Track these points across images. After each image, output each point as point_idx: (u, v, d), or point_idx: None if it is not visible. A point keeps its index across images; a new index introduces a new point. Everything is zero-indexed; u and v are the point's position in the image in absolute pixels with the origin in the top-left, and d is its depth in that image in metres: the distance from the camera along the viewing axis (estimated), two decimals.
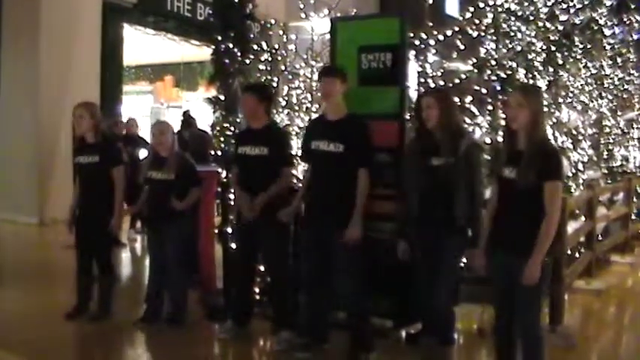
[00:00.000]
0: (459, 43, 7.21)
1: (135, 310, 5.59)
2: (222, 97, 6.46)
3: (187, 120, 10.93)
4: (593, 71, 8.96)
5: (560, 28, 7.86)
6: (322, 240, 4.59)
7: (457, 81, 7.05)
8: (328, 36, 5.67)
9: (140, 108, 15.81)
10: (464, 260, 4.57)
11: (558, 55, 7.70)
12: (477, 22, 7.31)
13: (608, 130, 9.79)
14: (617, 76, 10.10)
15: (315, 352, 4.69)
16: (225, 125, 6.39)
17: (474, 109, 6.90)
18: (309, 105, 7.07)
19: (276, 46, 7.20)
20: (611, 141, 9.96)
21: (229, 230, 5.71)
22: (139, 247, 8.98)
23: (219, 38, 6.44)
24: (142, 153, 8.76)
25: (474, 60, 7.16)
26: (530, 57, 7.27)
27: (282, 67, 7.20)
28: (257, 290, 5.56)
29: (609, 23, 9.47)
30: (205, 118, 8.90)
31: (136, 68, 17.66)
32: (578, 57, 8.25)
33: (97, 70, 11.55)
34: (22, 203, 10.62)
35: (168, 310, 5.43)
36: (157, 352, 5.07)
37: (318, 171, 4.70)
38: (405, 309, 5.05)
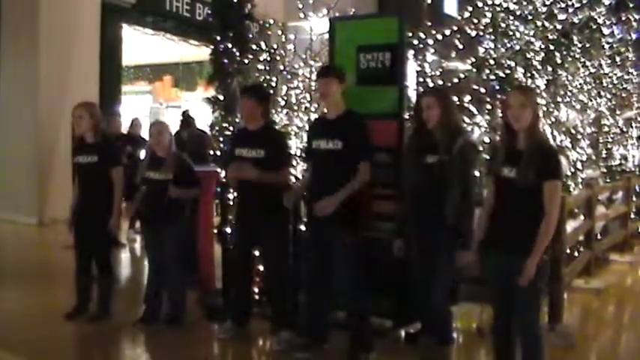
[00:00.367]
0: (457, 42, 7.22)
1: (134, 310, 5.59)
2: (221, 97, 6.47)
3: (186, 120, 10.93)
4: (592, 70, 8.96)
5: (559, 27, 7.86)
6: (322, 240, 4.59)
7: (456, 80, 7.05)
8: (327, 36, 5.68)
9: (139, 108, 15.79)
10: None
11: (557, 54, 7.71)
12: (475, 21, 7.31)
13: (606, 129, 9.79)
14: (615, 75, 10.10)
15: (314, 352, 4.69)
16: (224, 125, 6.40)
17: (472, 108, 6.91)
18: (307, 105, 7.08)
19: (275, 46, 7.21)
20: (610, 140, 9.96)
21: (228, 230, 5.71)
22: (138, 248, 8.98)
23: (218, 38, 6.45)
24: (143, 153, 8.75)
25: (473, 59, 7.17)
26: (528, 56, 7.27)
27: (281, 67, 7.21)
28: (256, 290, 5.56)
29: (608, 22, 9.47)
30: (204, 118, 8.91)
31: (135, 68, 17.64)
32: (577, 56, 8.25)
33: (96, 70, 11.54)
34: (21, 203, 10.61)
35: (167, 310, 5.43)
36: (156, 352, 5.07)
37: (318, 170, 4.70)
38: (404, 309, 5.05)
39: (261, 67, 6.71)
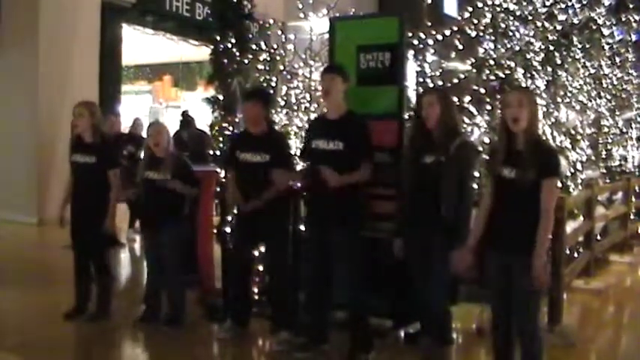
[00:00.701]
0: (457, 42, 7.21)
1: (134, 310, 5.59)
2: (220, 97, 6.47)
3: (186, 120, 10.94)
4: (592, 71, 8.96)
5: (559, 27, 7.87)
6: (322, 240, 4.59)
7: (456, 81, 7.05)
8: (327, 35, 5.68)
9: (139, 108, 15.79)
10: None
11: (557, 54, 7.71)
12: (475, 21, 7.31)
13: (606, 129, 9.79)
14: (615, 75, 10.10)
15: (314, 352, 4.68)
16: (224, 125, 6.39)
17: (472, 108, 6.91)
18: (307, 105, 7.08)
19: (275, 46, 7.21)
20: (610, 141, 9.96)
21: (228, 230, 5.71)
22: (138, 247, 8.98)
23: (218, 38, 6.44)
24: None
25: (473, 60, 7.17)
26: (528, 57, 7.27)
27: (281, 67, 7.20)
28: (256, 290, 5.57)
29: (608, 23, 9.47)
30: (204, 118, 8.91)
31: (135, 68, 17.65)
32: (577, 57, 8.25)
33: (95, 70, 11.54)
34: (21, 203, 10.61)
35: (166, 310, 5.42)
36: (155, 352, 5.07)
37: (317, 169, 4.69)
38: (403, 309, 5.05)
39: (261, 67, 6.71)
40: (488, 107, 6.91)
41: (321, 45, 7.02)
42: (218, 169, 6.09)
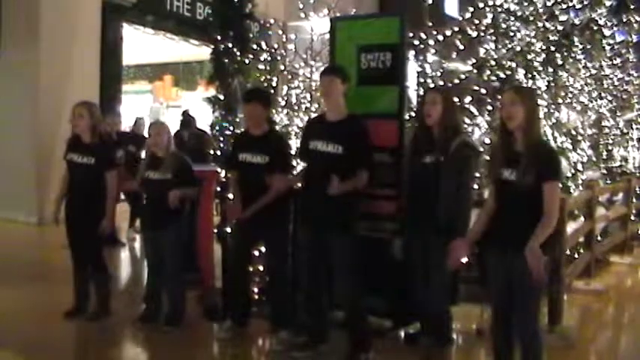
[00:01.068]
0: (458, 43, 7.22)
1: (134, 309, 5.59)
2: (221, 97, 6.47)
3: (186, 119, 10.94)
4: (593, 71, 8.97)
5: (560, 28, 7.86)
6: (320, 240, 4.58)
7: (456, 81, 7.05)
8: (328, 35, 5.67)
9: (139, 107, 15.79)
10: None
11: (558, 55, 7.71)
12: (476, 22, 7.32)
13: (607, 130, 9.79)
14: (616, 76, 10.10)
15: (313, 352, 4.68)
16: (225, 125, 6.39)
17: (473, 109, 6.91)
18: (308, 105, 7.07)
19: (276, 46, 7.21)
20: (611, 141, 9.96)
21: (228, 230, 5.71)
22: (138, 247, 8.98)
23: (219, 38, 6.44)
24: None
25: (474, 60, 7.18)
26: (529, 57, 7.28)
27: (282, 67, 7.20)
28: (256, 290, 5.56)
29: (609, 24, 9.46)
30: (204, 118, 8.91)
31: (136, 67, 17.64)
32: (578, 57, 8.25)
33: (96, 70, 11.53)
34: (21, 202, 10.60)
35: (166, 309, 5.42)
36: (155, 351, 5.07)
37: (315, 171, 4.66)
38: (403, 309, 5.05)
39: (261, 66, 6.71)
40: (489, 108, 6.91)
41: (322, 45, 7.02)
42: (218, 169, 6.09)
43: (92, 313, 5.48)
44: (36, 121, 10.63)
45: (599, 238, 8.18)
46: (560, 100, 7.86)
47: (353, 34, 5.32)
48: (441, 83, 6.82)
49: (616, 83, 10.10)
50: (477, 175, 5.41)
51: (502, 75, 7.02)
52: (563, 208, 5.11)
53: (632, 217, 9.75)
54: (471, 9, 7.40)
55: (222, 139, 6.36)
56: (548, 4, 7.74)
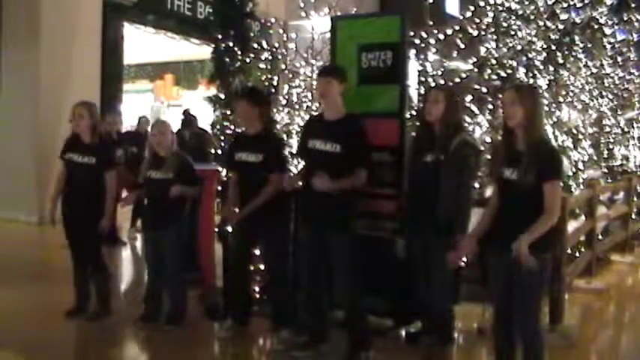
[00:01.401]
0: (459, 41, 7.22)
1: (135, 309, 5.59)
2: (222, 96, 6.48)
3: (187, 119, 10.94)
4: (594, 70, 8.95)
5: (561, 27, 7.86)
6: (319, 239, 4.57)
7: (457, 80, 7.05)
8: (328, 34, 5.67)
9: (140, 106, 15.80)
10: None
11: (559, 54, 7.71)
12: (477, 21, 7.32)
13: (608, 129, 9.79)
14: (617, 75, 10.09)
15: (314, 352, 4.68)
16: (225, 124, 6.40)
17: (474, 108, 6.91)
18: (309, 104, 7.08)
19: (277, 45, 7.22)
20: (612, 140, 9.95)
21: (229, 229, 5.71)
22: (139, 246, 8.98)
23: (220, 37, 6.45)
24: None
25: (475, 59, 7.17)
26: (530, 56, 7.27)
27: (283, 66, 7.21)
28: (257, 289, 5.56)
29: (610, 22, 9.46)
30: (205, 117, 8.91)
31: (137, 67, 17.66)
32: (579, 56, 8.25)
33: (97, 69, 11.53)
34: (22, 202, 10.60)
35: (167, 309, 5.42)
36: (156, 350, 5.07)
37: (314, 170, 4.65)
38: (404, 308, 5.04)
39: (262, 65, 6.72)
40: (490, 106, 6.91)
41: (323, 44, 7.02)
42: (219, 168, 6.09)
43: (93, 312, 5.48)
44: (36, 121, 10.63)
45: (600, 236, 8.17)
46: (561, 99, 7.85)
47: (354, 33, 5.31)
48: (442, 82, 6.81)
49: (617, 82, 10.09)
50: (478, 173, 5.40)
51: (503, 74, 7.02)
52: (564, 206, 5.10)
53: (633, 216, 9.74)
54: (472, 8, 7.40)
55: (223, 138, 6.36)
56: (549, 2, 7.73)
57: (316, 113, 5.85)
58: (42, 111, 10.59)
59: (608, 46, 9.56)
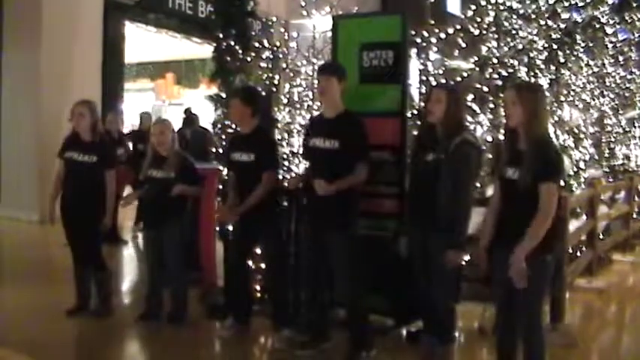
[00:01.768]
0: (460, 41, 7.21)
1: (136, 307, 5.59)
2: (223, 95, 6.48)
3: (189, 117, 10.94)
4: (595, 70, 8.95)
5: (562, 26, 7.85)
6: (321, 238, 4.58)
7: (459, 79, 7.04)
8: (330, 34, 5.67)
9: (141, 105, 15.79)
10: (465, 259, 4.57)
11: (560, 53, 7.70)
12: (478, 20, 7.31)
13: (609, 128, 9.79)
14: (618, 74, 10.09)
15: (315, 351, 4.68)
16: (227, 123, 6.40)
17: (475, 107, 6.90)
18: (310, 103, 7.08)
19: (278, 44, 7.21)
20: (613, 139, 9.96)
21: (230, 228, 5.71)
22: (141, 244, 8.98)
23: (221, 36, 6.45)
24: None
25: (476, 58, 7.16)
26: (531, 55, 7.27)
27: (284, 65, 7.21)
28: (258, 288, 5.56)
29: (611, 22, 9.45)
30: (207, 116, 8.92)
31: (138, 65, 17.65)
32: (580, 55, 8.24)
33: (98, 68, 11.53)
34: (23, 200, 10.60)
35: (168, 308, 5.43)
36: (157, 349, 5.07)
37: (315, 168, 4.67)
38: (405, 307, 5.05)
39: (263, 64, 6.72)
40: (491, 106, 6.91)
41: (324, 43, 7.02)
42: (220, 167, 6.09)
43: (94, 311, 5.49)
44: (38, 120, 10.63)
45: (601, 236, 8.17)
46: (562, 98, 7.85)
47: (355, 32, 5.31)
48: (443, 81, 6.81)
49: (618, 81, 10.10)
50: (479, 172, 5.40)
51: (504, 73, 7.01)
52: (565, 206, 5.10)
53: (634, 215, 9.75)
54: (473, 7, 7.39)
55: (224, 137, 6.36)
56: (551, 2, 7.72)
57: (317, 113, 5.85)
58: (43, 110, 10.59)
59: (610, 46, 9.56)
